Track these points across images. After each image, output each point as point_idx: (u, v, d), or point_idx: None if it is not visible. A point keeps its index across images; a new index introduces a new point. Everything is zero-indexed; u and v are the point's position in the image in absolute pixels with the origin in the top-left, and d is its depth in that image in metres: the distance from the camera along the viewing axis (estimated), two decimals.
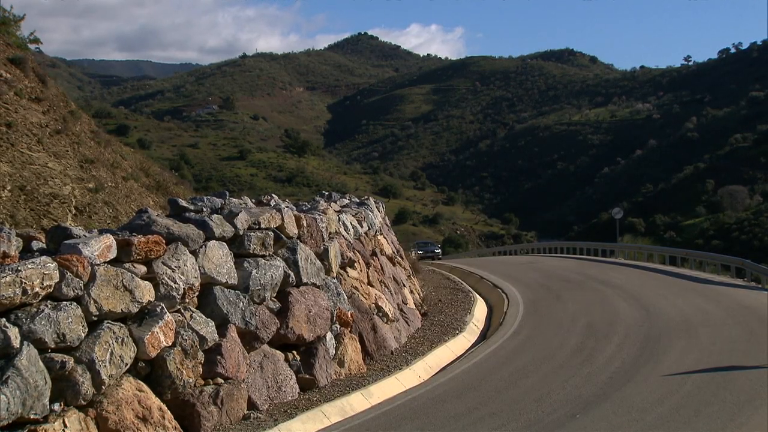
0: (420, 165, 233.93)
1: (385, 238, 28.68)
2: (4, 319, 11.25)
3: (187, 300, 14.65)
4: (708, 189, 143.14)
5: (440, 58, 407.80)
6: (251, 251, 16.70)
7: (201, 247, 15.27)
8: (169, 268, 14.24)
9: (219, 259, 15.60)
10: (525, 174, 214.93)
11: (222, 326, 15.09)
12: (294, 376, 16.70)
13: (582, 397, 15.77)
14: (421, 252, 62.10)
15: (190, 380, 13.99)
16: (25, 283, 11.40)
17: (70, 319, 12.01)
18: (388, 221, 34.09)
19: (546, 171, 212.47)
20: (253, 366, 15.73)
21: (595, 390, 16.28)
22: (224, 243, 15.97)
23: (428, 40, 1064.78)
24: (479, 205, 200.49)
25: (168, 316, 13.80)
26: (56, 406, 11.72)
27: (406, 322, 24.08)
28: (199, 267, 14.97)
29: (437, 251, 67.56)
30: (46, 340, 11.63)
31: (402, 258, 31.43)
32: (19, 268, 11.41)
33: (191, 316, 14.53)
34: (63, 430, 11.58)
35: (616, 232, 64.72)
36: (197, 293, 15.02)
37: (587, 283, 34.87)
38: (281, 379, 16.27)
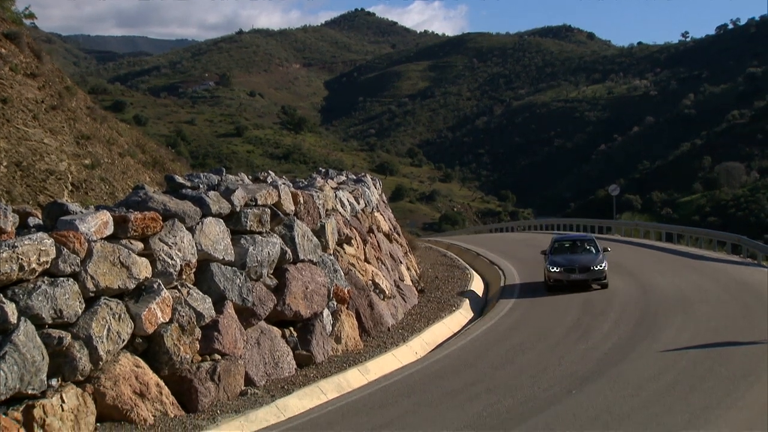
0: (417, 142, 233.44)
1: (382, 215, 28.69)
2: (0, 295, 11.26)
3: (184, 276, 14.66)
4: (705, 165, 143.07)
5: (437, 34, 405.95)
6: (248, 228, 16.70)
7: (198, 223, 15.26)
8: (166, 244, 14.25)
9: (216, 235, 15.60)
10: (522, 151, 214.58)
11: (219, 303, 15.11)
12: (291, 353, 16.74)
13: (578, 373, 15.83)
14: (557, 269, 27.26)
15: (188, 356, 14.03)
16: (21, 259, 11.40)
17: (67, 295, 12.02)
18: (385, 198, 34.11)
19: (543, 148, 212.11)
20: (250, 342, 15.77)
21: (591, 366, 16.34)
22: (221, 220, 15.97)
23: (431, 17, 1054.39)
24: (476, 182, 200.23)
25: (165, 293, 13.82)
26: (54, 382, 11.75)
27: (403, 299, 24.13)
28: (195, 243, 14.98)
29: (600, 268, 27.18)
30: (44, 315, 11.65)
31: (399, 235, 31.45)
32: (15, 244, 11.41)
33: (188, 293, 14.54)
34: (61, 405, 11.62)
35: (613, 209, 64.72)
36: (194, 270, 15.04)
37: None
38: (278, 356, 16.31)
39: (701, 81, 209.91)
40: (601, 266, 27.05)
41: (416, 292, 26.35)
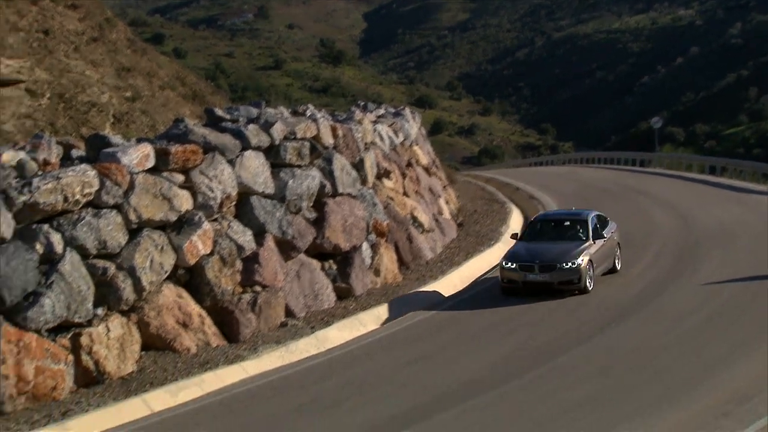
0: (456, 75, 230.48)
1: (420, 148, 28.55)
2: (46, 225, 11.47)
3: (224, 209, 14.79)
4: (751, 97, 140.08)
5: None
6: (287, 161, 16.73)
7: (237, 156, 15.33)
8: (207, 177, 14.35)
9: (255, 168, 15.67)
10: (563, 84, 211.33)
11: (259, 235, 15.25)
12: (330, 285, 16.90)
13: (618, 305, 15.83)
14: (511, 265, 17.54)
15: (229, 288, 14.23)
16: (65, 190, 11.58)
17: (110, 227, 12.21)
18: (423, 132, 33.87)
19: (584, 80, 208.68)
20: (290, 275, 15.93)
21: (630, 299, 16.32)
22: (260, 153, 16.01)
23: None
24: (516, 116, 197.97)
25: (206, 225, 13.98)
26: (99, 311, 12.02)
27: (442, 233, 24.14)
28: (235, 176, 15.07)
29: (571, 266, 17.10)
30: (88, 246, 11.86)
31: (438, 168, 31.33)
32: (59, 175, 11.58)
33: (229, 225, 14.69)
34: (107, 333, 11.90)
35: (655, 142, 63.75)
36: (234, 202, 15.16)
37: (624, 193, 34.57)
38: (318, 288, 16.48)
39: (749, 9, 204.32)
40: (574, 263, 17.25)
41: (455, 226, 26.34)
